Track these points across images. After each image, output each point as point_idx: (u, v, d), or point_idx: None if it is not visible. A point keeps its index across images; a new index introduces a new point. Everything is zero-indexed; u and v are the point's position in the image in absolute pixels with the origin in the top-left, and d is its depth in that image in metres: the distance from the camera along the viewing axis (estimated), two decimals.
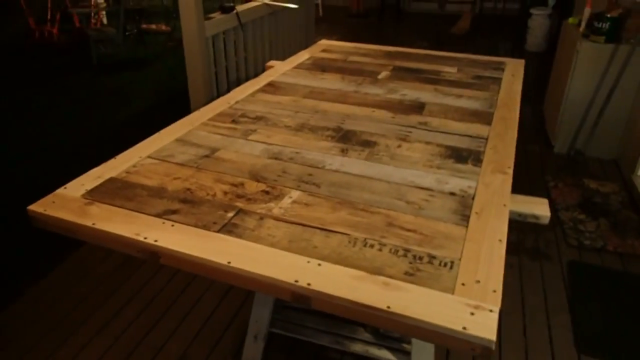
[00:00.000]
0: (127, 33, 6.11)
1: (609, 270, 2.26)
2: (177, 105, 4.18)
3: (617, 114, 3.14)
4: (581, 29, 3.23)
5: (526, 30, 5.89)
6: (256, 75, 3.11)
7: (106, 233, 1.07)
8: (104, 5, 6.37)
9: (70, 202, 1.16)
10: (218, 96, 2.91)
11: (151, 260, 1.05)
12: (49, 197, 1.18)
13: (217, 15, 2.99)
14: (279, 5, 3.60)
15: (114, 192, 1.21)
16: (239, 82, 3.22)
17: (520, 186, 2.93)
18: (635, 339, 1.89)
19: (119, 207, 1.15)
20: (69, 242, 2.32)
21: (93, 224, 1.08)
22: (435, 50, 2.56)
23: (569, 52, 3.28)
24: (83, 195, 1.19)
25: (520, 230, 2.54)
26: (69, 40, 5.88)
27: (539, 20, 5.73)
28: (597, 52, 3.06)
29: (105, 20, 6.60)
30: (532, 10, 5.75)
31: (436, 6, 8.10)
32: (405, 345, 1.58)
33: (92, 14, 6.21)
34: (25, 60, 5.55)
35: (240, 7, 3.22)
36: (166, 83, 4.89)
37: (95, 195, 1.19)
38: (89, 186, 1.23)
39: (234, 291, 2.10)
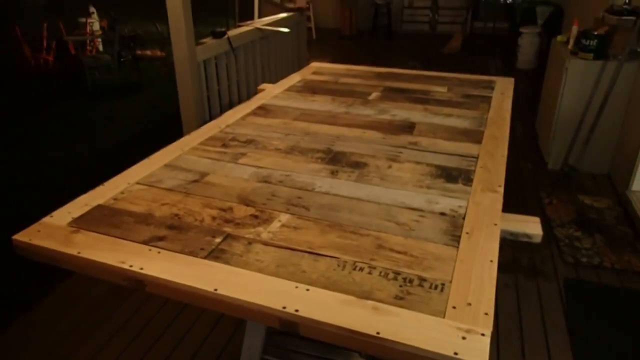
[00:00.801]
0: (122, 59, 6.16)
1: (606, 287, 2.24)
2: (171, 130, 4.17)
3: (609, 129, 3.15)
4: (570, 46, 3.27)
5: (517, 48, 5.97)
6: (248, 98, 3.12)
7: (91, 261, 1.05)
8: (100, 32, 6.44)
9: (55, 231, 1.14)
10: (210, 120, 2.92)
11: (137, 288, 1.03)
12: (35, 226, 1.17)
13: (208, 41, 3.02)
14: (270, 30, 3.65)
15: (101, 220, 1.19)
16: (231, 106, 3.23)
17: (514, 204, 2.91)
18: (633, 356, 1.85)
19: (105, 234, 1.13)
20: (58, 271, 2.29)
21: (78, 252, 1.06)
22: (427, 70, 2.58)
23: (559, 69, 3.31)
24: (69, 223, 1.17)
25: (515, 248, 2.52)
26: (64, 67, 5.92)
27: (528, 39, 5.82)
28: (586, 69, 3.10)
29: (100, 47, 6.66)
30: (522, 29, 5.84)
31: (427, 27, 8.22)
32: None
33: (88, 42, 6.27)
34: (21, 88, 5.58)
35: (231, 32, 3.26)
36: (160, 107, 4.90)
37: (82, 223, 1.18)
38: (76, 214, 1.21)
39: (225, 319, 2.07)
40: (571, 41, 3.27)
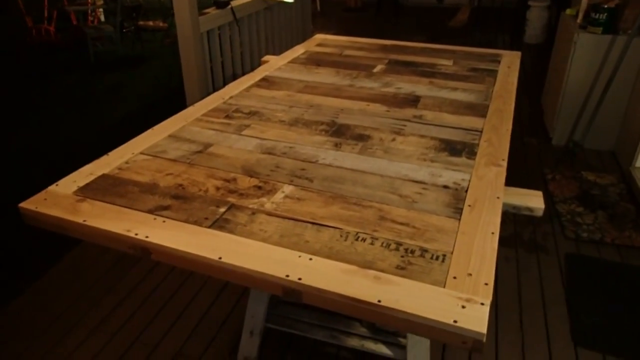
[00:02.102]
0: (124, 30, 6.09)
1: (607, 262, 2.25)
2: (174, 102, 4.16)
3: (615, 105, 3.12)
4: (579, 20, 3.21)
5: (524, 22, 5.87)
6: (252, 70, 3.10)
7: (97, 230, 1.06)
8: (101, 2, 6.35)
9: (61, 199, 1.16)
10: (214, 91, 2.90)
11: (143, 256, 1.04)
12: (41, 195, 1.18)
13: (211, 11, 2.97)
14: (274, 0, 3.59)
15: (106, 189, 1.20)
16: (234, 77, 3.21)
17: (517, 179, 2.92)
18: (632, 331, 1.88)
19: (110, 203, 1.14)
20: (65, 241, 2.32)
21: (84, 220, 1.08)
22: (433, 43, 2.54)
23: (567, 43, 3.26)
24: (75, 192, 1.19)
25: (517, 223, 2.53)
26: (66, 38, 5.86)
27: (537, 12, 5.70)
28: (594, 43, 3.05)
29: (102, 18, 6.58)
30: (530, 2, 5.72)
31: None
32: (401, 339, 1.58)
33: (89, 12, 6.19)
34: (23, 59, 5.54)
35: (235, 2, 3.21)
36: (163, 79, 4.87)
37: (87, 192, 1.19)
38: (81, 183, 1.22)
39: (229, 288, 2.10)
40: (580, 14, 3.21)
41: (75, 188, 1.20)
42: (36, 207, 1.13)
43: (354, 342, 1.61)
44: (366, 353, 1.75)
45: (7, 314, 1.98)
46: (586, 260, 2.27)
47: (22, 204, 1.14)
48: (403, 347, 1.54)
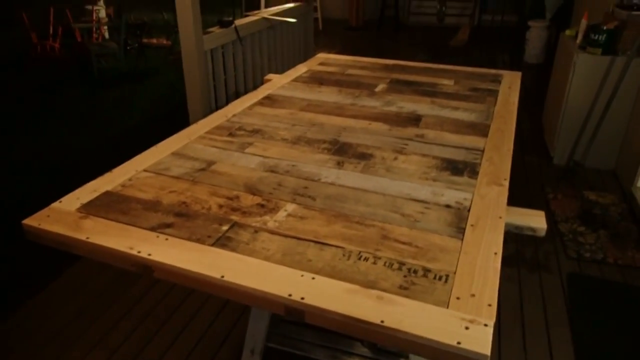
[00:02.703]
0: (128, 47, 6.16)
1: (609, 283, 2.24)
2: (177, 119, 4.19)
3: (615, 125, 3.14)
4: (578, 40, 3.25)
5: (524, 42, 5.93)
6: (255, 88, 3.12)
7: (99, 247, 1.06)
8: (106, 20, 6.43)
9: (64, 216, 1.16)
10: (216, 109, 2.93)
11: (145, 274, 1.04)
12: (44, 211, 1.18)
13: (215, 30, 3.01)
14: (277, 20, 3.64)
15: (109, 206, 1.20)
16: (237, 96, 3.24)
17: (519, 198, 2.92)
18: (635, 352, 1.86)
19: (113, 220, 1.14)
20: (66, 256, 2.31)
21: (87, 237, 1.08)
22: (434, 62, 2.57)
23: (567, 63, 3.29)
24: (78, 209, 1.19)
25: (519, 242, 2.53)
26: (70, 54, 5.93)
27: (537, 32, 5.77)
28: (594, 64, 3.08)
29: (107, 35, 6.66)
30: (530, 22, 5.79)
31: (435, 19, 8.17)
32: None
33: (94, 29, 6.28)
34: (27, 74, 5.59)
35: (239, 22, 3.25)
36: (166, 96, 4.91)
37: (90, 209, 1.19)
38: (84, 200, 1.23)
39: (230, 305, 2.09)
40: (580, 35, 3.25)
41: (78, 205, 1.21)
42: (39, 224, 1.13)
43: None
44: None
45: (7, 329, 1.97)
46: (589, 280, 2.26)
47: (26, 221, 1.14)
48: None
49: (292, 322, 1.72)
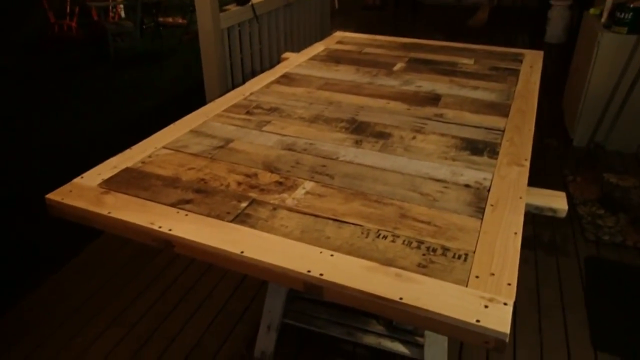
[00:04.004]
0: (144, 26, 6.15)
1: (628, 266, 2.22)
2: (193, 98, 4.20)
3: (639, 106, 3.06)
4: (603, 19, 3.16)
5: (545, 21, 5.78)
6: (271, 67, 3.10)
7: (121, 222, 1.08)
8: None
9: (86, 192, 1.18)
10: (233, 88, 2.92)
11: (165, 248, 1.06)
12: (66, 187, 1.20)
13: (232, 8, 2.99)
14: None
15: (129, 182, 1.22)
16: (253, 74, 3.22)
17: (537, 180, 2.87)
18: None
19: (134, 196, 1.16)
20: (85, 233, 2.36)
21: (109, 212, 1.10)
22: (452, 42, 2.52)
23: (590, 43, 3.21)
24: (99, 185, 1.20)
25: (536, 224, 2.50)
26: (87, 34, 5.95)
27: (559, 12, 5.62)
28: (619, 44, 2.99)
29: (123, 14, 6.65)
30: (552, 1, 5.63)
31: None
32: (418, 338, 1.57)
33: (110, 8, 6.27)
34: (45, 54, 5.63)
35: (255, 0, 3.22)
36: (182, 76, 4.92)
37: (111, 184, 1.21)
38: (105, 176, 1.24)
39: (247, 282, 2.12)
40: (605, 14, 3.15)
41: (99, 181, 1.22)
42: (62, 199, 1.15)
43: (370, 340, 1.61)
44: (382, 351, 1.75)
45: (28, 305, 2.03)
46: (607, 264, 2.23)
47: (49, 195, 1.16)
48: (420, 346, 1.54)
49: (308, 299, 1.74)
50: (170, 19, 6.56)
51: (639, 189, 2.77)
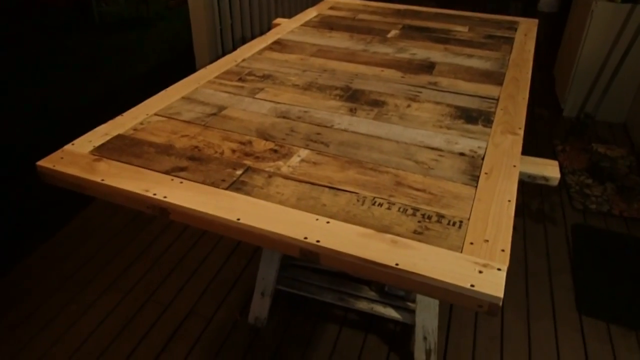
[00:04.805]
0: None
1: (613, 234, 2.27)
2: (181, 65, 4.12)
3: (630, 77, 3.07)
4: None
5: None
6: (262, 33, 3.04)
7: (115, 189, 1.07)
8: None
9: (78, 158, 1.16)
10: (223, 54, 2.87)
11: (161, 216, 1.05)
12: (57, 153, 1.18)
13: None
14: None
15: (122, 149, 1.20)
16: (244, 41, 3.16)
17: (527, 150, 2.91)
18: (636, 300, 1.91)
19: (127, 163, 1.14)
20: (76, 201, 2.34)
21: (102, 179, 1.08)
22: (444, 9, 2.48)
23: (583, 12, 3.18)
24: (91, 152, 1.19)
25: (525, 193, 2.54)
26: None
27: None
28: (612, 13, 2.97)
29: None
30: None
31: None
32: (409, 304, 1.61)
33: None
34: (25, 18, 5.45)
35: None
36: (170, 42, 4.80)
37: (103, 151, 1.19)
38: (97, 143, 1.23)
39: (240, 249, 2.13)
40: None
41: (91, 148, 1.20)
42: (54, 166, 1.13)
43: (362, 305, 1.64)
44: (374, 316, 1.79)
45: (20, 273, 2.02)
46: (593, 231, 2.28)
47: (40, 162, 1.14)
48: (412, 311, 1.58)
49: (301, 266, 1.76)
50: None
51: (626, 159, 2.81)
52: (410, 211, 1.01)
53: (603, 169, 2.72)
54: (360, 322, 1.80)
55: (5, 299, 1.89)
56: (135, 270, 2.03)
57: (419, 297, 1.51)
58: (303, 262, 1.80)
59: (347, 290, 1.68)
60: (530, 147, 2.96)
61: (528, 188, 2.55)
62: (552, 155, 2.88)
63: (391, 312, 1.60)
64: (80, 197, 1.16)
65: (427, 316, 1.51)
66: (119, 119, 1.35)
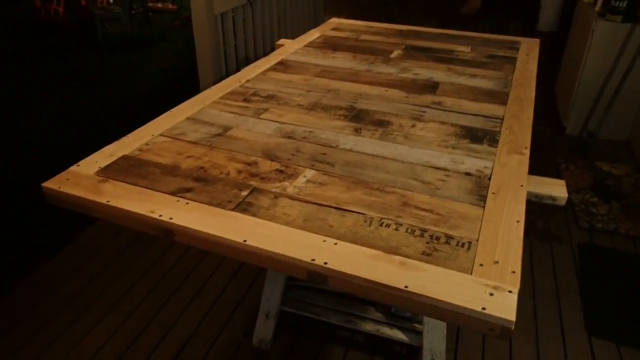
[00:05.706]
0: (133, 12, 6.05)
1: (621, 253, 2.25)
2: (185, 85, 4.15)
3: (632, 95, 3.08)
4: (597, 8, 3.16)
5: (538, 10, 5.78)
6: (265, 54, 3.06)
7: (121, 210, 1.06)
8: None
9: (84, 180, 1.16)
10: (227, 75, 2.89)
11: (166, 238, 1.05)
12: (63, 175, 1.18)
13: None
14: None
15: (128, 170, 1.20)
16: (247, 61, 3.19)
17: (531, 168, 2.89)
18: None
19: (132, 185, 1.14)
20: (79, 221, 2.34)
21: (108, 201, 1.08)
22: (445, 29, 2.51)
23: (584, 32, 3.21)
24: (97, 173, 1.19)
25: (531, 212, 2.51)
26: (75, 19, 5.83)
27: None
28: (613, 32, 3.00)
29: None
30: None
31: None
32: (416, 325, 1.58)
33: None
34: (31, 39, 5.52)
35: None
36: (173, 62, 4.85)
37: (109, 173, 1.19)
38: (103, 164, 1.22)
39: (244, 270, 2.11)
40: (599, 2, 3.15)
41: (97, 169, 1.20)
42: (59, 187, 1.13)
43: (369, 327, 1.61)
44: (380, 338, 1.76)
45: (23, 293, 2.01)
46: (600, 251, 2.26)
47: (46, 184, 1.14)
48: (419, 333, 1.55)
49: (306, 287, 1.74)
50: (160, 5, 6.45)
51: (631, 177, 2.80)
52: (418, 232, 1.00)
53: (608, 188, 2.71)
54: (366, 344, 1.77)
55: (8, 319, 1.87)
56: (139, 291, 2.01)
57: (426, 318, 1.49)
58: (308, 283, 1.78)
59: (353, 312, 1.66)
60: (535, 166, 2.94)
61: (533, 207, 2.52)
62: (556, 174, 2.87)
63: (398, 334, 1.58)
64: (83, 217, 1.16)
65: (435, 338, 1.49)
66: (124, 139, 1.35)
